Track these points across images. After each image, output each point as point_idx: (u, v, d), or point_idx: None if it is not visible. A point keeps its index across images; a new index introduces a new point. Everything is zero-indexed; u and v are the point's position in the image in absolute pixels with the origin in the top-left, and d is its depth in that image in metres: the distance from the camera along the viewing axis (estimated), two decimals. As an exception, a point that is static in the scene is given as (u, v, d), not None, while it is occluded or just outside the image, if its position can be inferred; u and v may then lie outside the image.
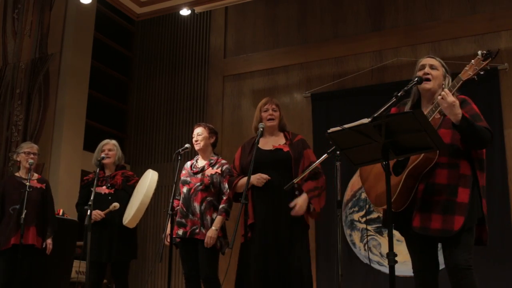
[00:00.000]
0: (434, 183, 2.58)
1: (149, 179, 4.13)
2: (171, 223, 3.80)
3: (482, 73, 2.55)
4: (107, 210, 4.13)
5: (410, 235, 2.68)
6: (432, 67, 2.72)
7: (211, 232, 3.69)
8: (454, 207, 2.53)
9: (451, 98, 2.47)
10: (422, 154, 2.53)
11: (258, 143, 3.42)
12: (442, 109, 2.54)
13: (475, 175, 2.61)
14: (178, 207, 3.91)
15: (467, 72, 2.55)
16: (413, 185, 2.61)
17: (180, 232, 3.80)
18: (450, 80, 2.72)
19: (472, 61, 2.57)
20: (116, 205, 4.15)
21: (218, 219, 3.74)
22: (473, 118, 2.57)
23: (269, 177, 3.41)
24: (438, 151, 2.52)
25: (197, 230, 3.75)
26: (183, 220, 3.81)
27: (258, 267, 3.29)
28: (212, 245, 3.69)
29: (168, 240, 3.83)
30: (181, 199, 3.90)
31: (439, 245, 2.68)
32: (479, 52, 2.54)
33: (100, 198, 4.14)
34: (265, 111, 3.57)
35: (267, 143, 3.55)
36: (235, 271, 3.47)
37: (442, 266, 2.66)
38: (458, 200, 2.54)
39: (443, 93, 2.50)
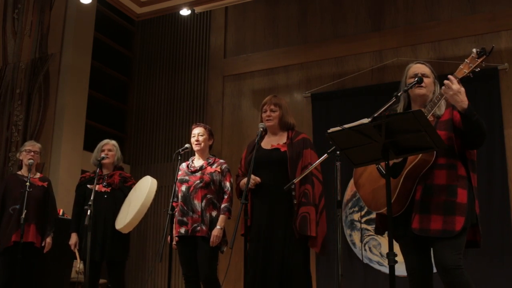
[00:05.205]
0: (432, 184, 2.57)
1: (148, 187, 4.10)
2: (171, 223, 3.79)
3: (477, 70, 2.53)
4: (76, 251, 4.24)
5: (406, 238, 2.65)
6: (424, 75, 2.70)
7: (217, 231, 3.72)
8: (455, 207, 2.52)
9: (456, 85, 2.45)
10: (420, 155, 2.52)
11: (258, 143, 3.42)
12: (447, 98, 2.50)
13: (469, 176, 2.61)
14: (176, 207, 3.91)
15: (462, 70, 2.53)
16: (411, 187, 2.60)
17: (182, 230, 3.80)
18: (439, 85, 2.69)
19: (466, 59, 2.54)
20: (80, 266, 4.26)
21: (221, 218, 3.77)
22: None
23: (259, 179, 3.37)
24: (435, 152, 2.51)
25: (198, 228, 3.76)
26: (184, 218, 3.81)
27: (256, 268, 3.28)
28: (216, 244, 3.71)
29: (175, 241, 3.85)
30: (179, 198, 3.90)
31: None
32: (474, 50, 2.52)
33: (96, 195, 4.13)
34: (264, 112, 3.56)
35: (268, 142, 3.54)
36: (236, 269, 3.46)
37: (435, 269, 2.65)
38: (458, 201, 2.53)
39: (447, 81, 2.46)
